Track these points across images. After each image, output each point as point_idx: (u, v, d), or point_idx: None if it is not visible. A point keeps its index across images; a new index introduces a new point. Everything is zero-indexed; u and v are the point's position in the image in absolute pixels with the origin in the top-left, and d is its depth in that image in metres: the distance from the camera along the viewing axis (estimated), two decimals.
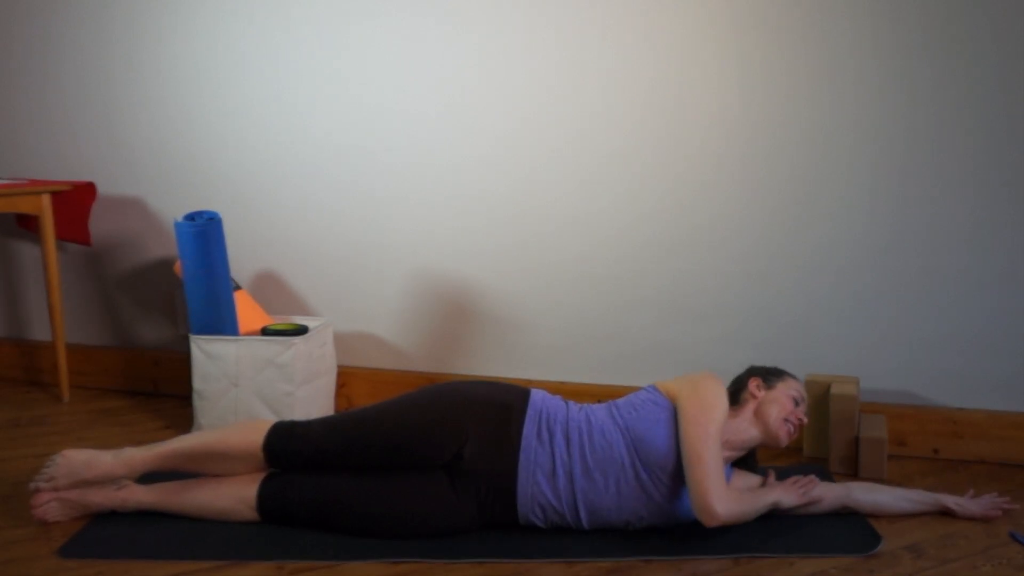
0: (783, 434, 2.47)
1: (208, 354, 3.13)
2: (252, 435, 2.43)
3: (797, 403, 2.51)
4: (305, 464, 2.43)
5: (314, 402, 3.21)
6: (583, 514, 2.38)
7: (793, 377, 2.60)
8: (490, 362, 3.39)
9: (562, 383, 3.30)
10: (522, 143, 3.26)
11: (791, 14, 2.98)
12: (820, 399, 2.96)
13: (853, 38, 2.94)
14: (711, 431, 2.30)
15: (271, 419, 2.55)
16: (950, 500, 2.55)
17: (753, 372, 2.60)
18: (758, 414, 2.49)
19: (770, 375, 2.57)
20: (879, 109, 2.96)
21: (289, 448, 2.42)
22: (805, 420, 2.52)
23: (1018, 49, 2.83)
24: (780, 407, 2.48)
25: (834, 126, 3.00)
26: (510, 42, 3.23)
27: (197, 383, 3.15)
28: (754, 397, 2.51)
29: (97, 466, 2.46)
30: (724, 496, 2.25)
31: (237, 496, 2.44)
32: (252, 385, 3.11)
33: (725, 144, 3.09)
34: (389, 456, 2.39)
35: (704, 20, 3.05)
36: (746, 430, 2.48)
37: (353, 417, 2.47)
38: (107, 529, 2.46)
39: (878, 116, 2.96)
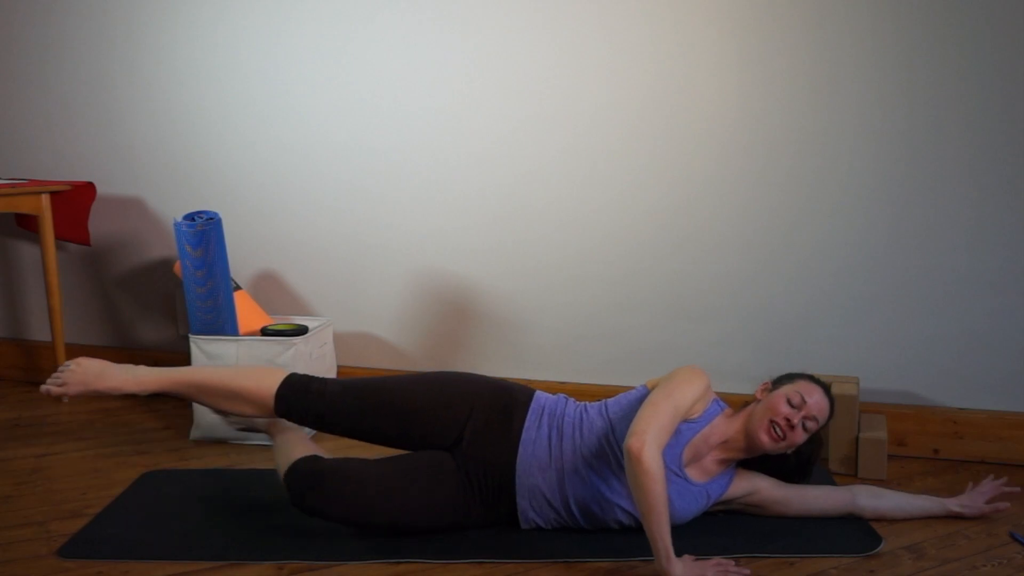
0: (764, 436, 2.34)
1: (208, 354, 3.13)
2: (266, 380, 2.46)
3: (792, 404, 2.36)
4: (314, 422, 2.46)
5: None
6: (575, 509, 2.39)
7: (809, 380, 2.44)
8: (490, 362, 3.39)
9: (562, 383, 3.30)
10: (522, 143, 3.26)
11: (791, 14, 2.98)
12: None
13: (853, 38, 2.94)
14: (675, 395, 2.30)
15: (285, 369, 2.55)
16: (955, 504, 2.54)
17: (772, 379, 2.51)
18: (751, 415, 2.41)
19: (781, 380, 2.47)
20: (879, 109, 2.96)
21: (302, 403, 2.44)
22: (795, 421, 2.34)
23: (1018, 49, 2.83)
24: (769, 407, 2.37)
25: (833, 126, 3.00)
26: (511, 42, 3.23)
27: None
28: (756, 400, 2.46)
29: (109, 379, 2.50)
30: (657, 447, 2.18)
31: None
32: None
33: (725, 144, 3.09)
34: (399, 424, 2.42)
35: (704, 21, 3.05)
36: (740, 432, 2.41)
37: (368, 383, 2.50)
38: (107, 529, 2.46)
39: (878, 116, 2.96)
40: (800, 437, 2.37)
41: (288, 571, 2.25)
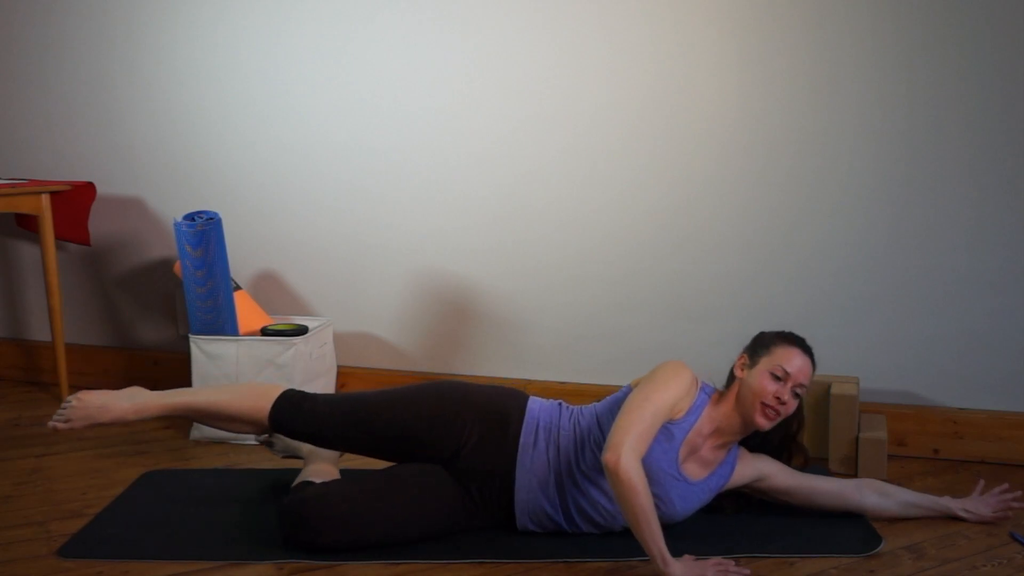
0: (760, 419, 2.33)
1: (208, 354, 3.13)
2: (261, 402, 2.48)
3: (778, 378, 2.33)
4: (309, 439, 2.50)
5: None
6: (578, 519, 2.38)
7: (788, 342, 2.40)
8: (490, 362, 3.38)
9: (562, 383, 3.30)
10: (522, 143, 3.26)
11: (791, 14, 2.98)
12: (820, 399, 2.95)
13: (853, 38, 2.94)
14: (653, 398, 2.27)
15: (281, 385, 2.57)
16: (957, 508, 2.52)
17: (747, 347, 2.47)
18: (738, 398, 2.38)
19: (758, 348, 2.41)
20: (879, 109, 2.95)
21: (295, 422, 2.46)
22: (785, 397, 2.32)
23: (1018, 49, 2.83)
24: (755, 390, 2.33)
25: (833, 126, 3.00)
26: (511, 42, 3.23)
27: (197, 383, 3.15)
28: (736, 377, 2.41)
29: (111, 411, 2.51)
30: (636, 457, 2.16)
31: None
32: None
33: (725, 144, 3.09)
34: (389, 443, 2.43)
35: (704, 21, 3.05)
36: (731, 416, 2.38)
37: (359, 400, 2.50)
38: (107, 529, 2.46)
39: (878, 116, 2.96)
40: (793, 406, 2.37)
41: (288, 571, 2.25)
